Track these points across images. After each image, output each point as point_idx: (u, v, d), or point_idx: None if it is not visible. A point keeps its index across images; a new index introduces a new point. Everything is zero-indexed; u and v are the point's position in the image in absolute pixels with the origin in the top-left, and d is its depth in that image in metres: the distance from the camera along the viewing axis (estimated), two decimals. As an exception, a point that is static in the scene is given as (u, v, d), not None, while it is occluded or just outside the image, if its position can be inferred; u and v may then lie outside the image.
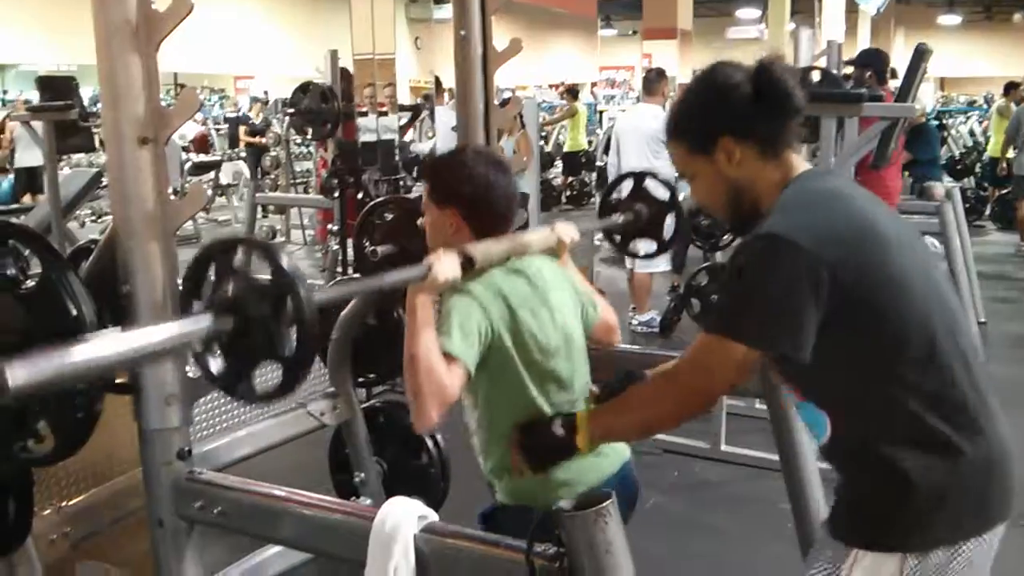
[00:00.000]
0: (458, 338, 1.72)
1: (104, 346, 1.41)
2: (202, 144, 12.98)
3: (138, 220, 1.75)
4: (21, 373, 1.20)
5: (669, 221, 2.56)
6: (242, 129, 12.27)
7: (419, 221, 2.11)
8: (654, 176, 2.57)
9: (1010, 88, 10.33)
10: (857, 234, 1.47)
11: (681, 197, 2.57)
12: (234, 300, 1.45)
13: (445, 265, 1.68)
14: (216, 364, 1.51)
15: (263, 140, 11.51)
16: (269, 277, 1.43)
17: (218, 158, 11.81)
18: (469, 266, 1.73)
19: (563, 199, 11.80)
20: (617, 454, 1.95)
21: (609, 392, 1.83)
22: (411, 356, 1.68)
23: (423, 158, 7.51)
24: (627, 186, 2.59)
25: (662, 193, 2.53)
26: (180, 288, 1.60)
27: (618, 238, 2.65)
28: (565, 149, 12.16)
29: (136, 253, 1.77)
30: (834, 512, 1.61)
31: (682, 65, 12.10)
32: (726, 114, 1.58)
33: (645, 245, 2.66)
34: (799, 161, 1.63)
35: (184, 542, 1.83)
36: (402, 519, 1.51)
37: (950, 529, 1.45)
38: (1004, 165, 9.08)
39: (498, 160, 1.97)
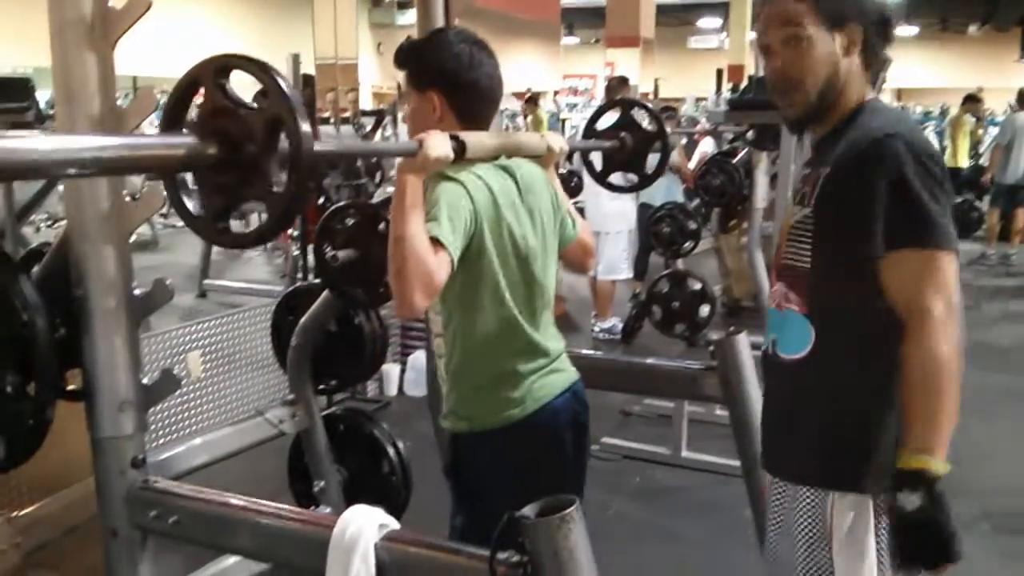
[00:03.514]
0: (447, 225, 1.66)
1: (72, 142, 1.27)
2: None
3: (92, 222, 1.71)
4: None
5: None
6: None
7: (380, 227, 2.08)
8: (642, 105, 2.54)
9: (968, 100, 10.53)
10: None
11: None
12: (221, 124, 1.30)
13: (437, 142, 1.61)
14: (191, 200, 1.37)
15: None
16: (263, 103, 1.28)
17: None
18: (460, 153, 1.66)
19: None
20: (566, 372, 1.95)
21: None
22: (398, 237, 1.59)
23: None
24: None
25: (649, 124, 2.51)
26: (164, 113, 1.41)
27: (599, 167, 2.61)
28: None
29: (90, 256, 1.72)
30: (797, 455, 1.63)
31: (644, 73, 12.19)
32: (868, 6, 1.57)
33: (626, 177, 2.63)
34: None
35: (138, 553, 1.78)
36: (362, 527, 1.48)
37: (886, 478, 1.48)
38: (989, 176, 9.25)
39: (480, 40, 1.89)
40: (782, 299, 1.64)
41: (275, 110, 1.26)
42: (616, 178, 2.61)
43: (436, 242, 1.63)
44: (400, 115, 8.01)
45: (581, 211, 5.99)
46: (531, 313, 1.87)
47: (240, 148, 1.29)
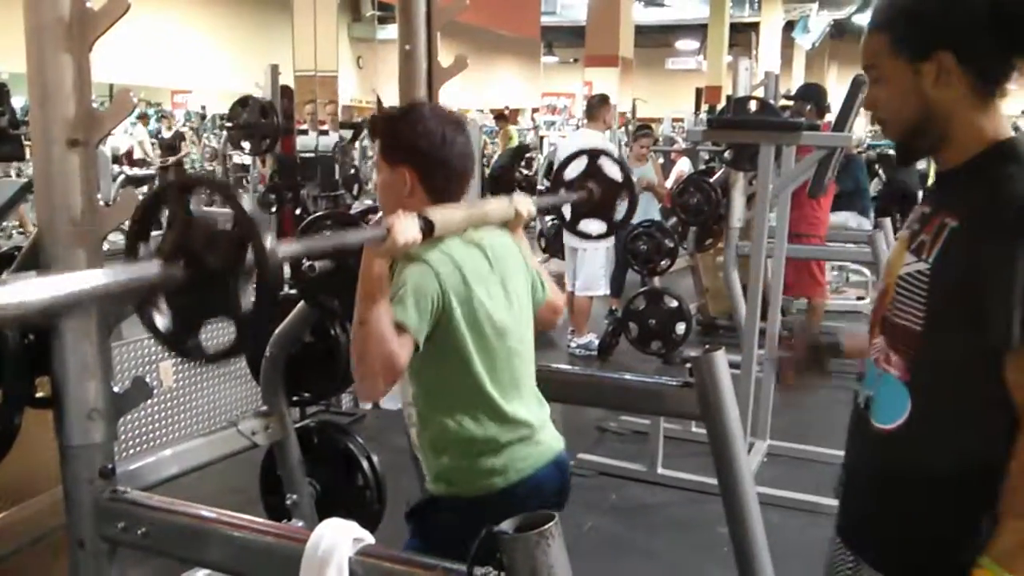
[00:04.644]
0: (412, 308, 1.66)
1: (44, 285, 1.30)
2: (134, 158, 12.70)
3: (64, 225, 1.67)
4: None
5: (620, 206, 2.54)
6: (148, 145, 11.79)
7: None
8: (608, 155, 2.54)
9: None
10: None
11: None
12: (187, 246, 1.32)
13: (405, 227, 1.59)
14: (162, 318, 1.39)
15: (170, 159, 11.16)
16: (228, 223, 1.30)
17: (152, 172, 11.57)
18: (428, 231, 1.65)
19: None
20: (551, 443, 1.92)
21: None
22: (361, 321, 1.61)
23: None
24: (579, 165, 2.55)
25: (616, 173, 2.51)
26: (127, 230, 1.47)
27: (568, 216, 2.61)
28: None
29: (61, 260, 1.69)
30: (877, 537, 1.49)
31: (622, 93, 12.27)
32: (954, 25, 1.35)
33: (595, 225, 2.63)
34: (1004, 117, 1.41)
35: (106, 564, 1.74)
36: (336, 541, 1.45)
37: None
38: None
39: (454, 117, 1.89)
40: (883, 357, 1.48)
41: (240, 232, 1.29)
42: (585, 225, 2.63)
43: (400, 326, 1.64)
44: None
45: (559, 228, 6.03)
46: (510, 385, 1.85)
47: (206, 268, 1.32)
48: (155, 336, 1.41)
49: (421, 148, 1.79)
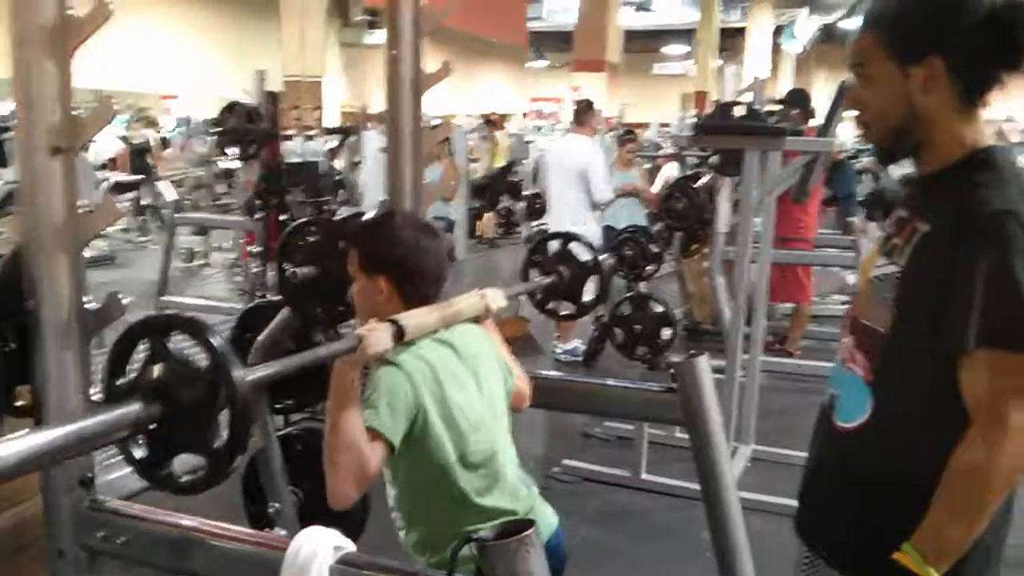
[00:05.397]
0: (385, 413, 1.69)
1: (30, 440, 1.34)
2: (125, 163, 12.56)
3: (46, 232, 1.67)
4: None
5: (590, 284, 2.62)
6: (119, 149, 11.56)
7: (341, 244, 2.06)
8: (578, 239, 2.59)
9: None
10: None
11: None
12: (163, 382, 1.41)
13: (377, 338, 1.64)
14: (139, 451, 1.47)
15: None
16: (200, 362, 1.40)
17: (140, 178, 11.50)
18: (400, 338, 1.70)
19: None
20: (546, 523, 1.93)
21: None
22: (333, 427, 1.65)
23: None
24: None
25: (586, 256, 2.57)
26: (103, 368, 1.56)
27: (539, 298, 2.69)
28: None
29: (43, 267, 1.68)
30: (835, 534, 1.51)
31: (610, 98, 12.30)
32: (950, 32, 1.36)
33: (564, 306, 2.70)
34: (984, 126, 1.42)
35: (85, 574, 1.74)
36: (316, 549, 1.46)
37: None
38: None
39: (426, 224, 1.96)
40: (849, 357, 1.50)
41: (212, 374, 1.37)
42: (554, 306, 2.70)
43: (372, 431, 1.66)
44: (364, 134, 7.99)
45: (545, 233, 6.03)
46: (491, 478, 1.86)
47: (181, 406, 1.41)
48: (133, 467, 1.50)
49: (396, 257, 1.84)
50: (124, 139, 11.84)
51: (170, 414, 1.41)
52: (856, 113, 1.49)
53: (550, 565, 1.88)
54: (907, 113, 1.40)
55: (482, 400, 1.88)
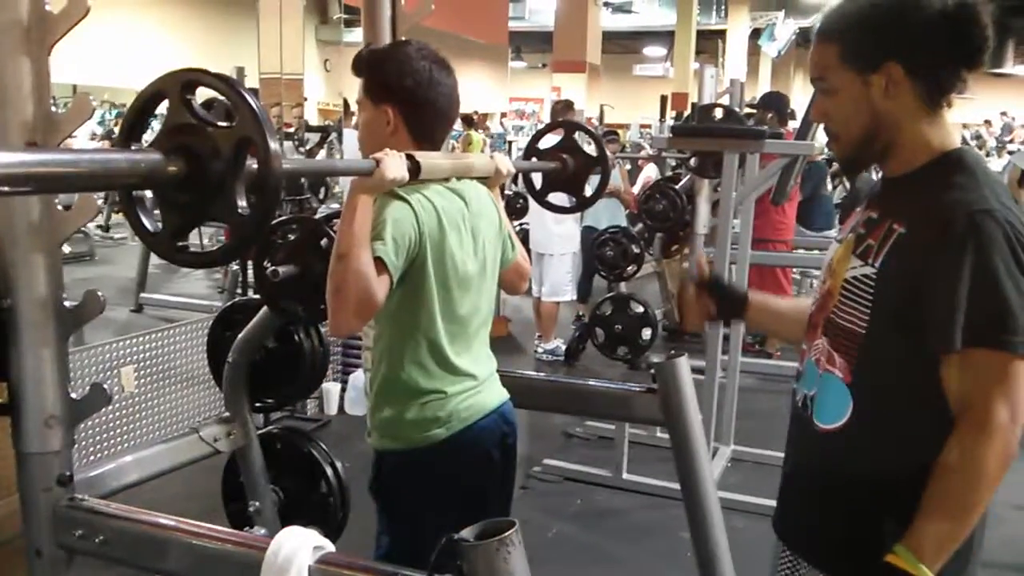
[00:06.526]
0: (391, 244, 1.65)
1: (33, 156, 1.19)
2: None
3: (22, 230, 1.66)
4: None
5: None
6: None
7: (322, 242, 2.05)
8: (584, 128, 2.55)
9: None
10: None
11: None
12: (187, 140, 1.22)
13: (393, 163, 1.59)
14: (148, 219, 1.31)
15: None
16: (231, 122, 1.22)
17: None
18: (414, 174, 1.64)
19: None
20: (495, 394, 1.94)
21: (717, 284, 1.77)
22: (342, 254, 1.60)
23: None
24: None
25: (590, 147, 2.53)
26: (120, 127, 1.36)
27: (539, 185, 2.62)
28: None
29: (19, 265, 1.67)
30: (819, 535, 1.51)
31: (590, 98, 12.31)
32: (904, 37, 1.36)
33: (565, 198, 2.64)
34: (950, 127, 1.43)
35: (63, 573, 1.73)
36: (296, 549, 1.45)
37: None
38: None
39: (441, 58, 1.87)
40: (824, 358, 1.49)
41: (245, 130, 1.20)
42: (555, 197, 2.63)
43: (378, 262, 1.62)
44: (345, 131, 7.96)
45: (526, 233, 6.04)
46: (463, 337, 1.86)
47: (206, 167, 1.22)
48: (141, 236, 1.33)
49: (407, 87, 1.78)
50: (95, 136, 11.71)
51: (193, 173, 1.22)
52: (823, 125, 1.50)
53: (500, 429, 1.92)
54: (872, 120, 1.41)
55: (476, 260, 1.86)
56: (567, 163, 2.50)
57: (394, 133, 1.78)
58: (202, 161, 1.22)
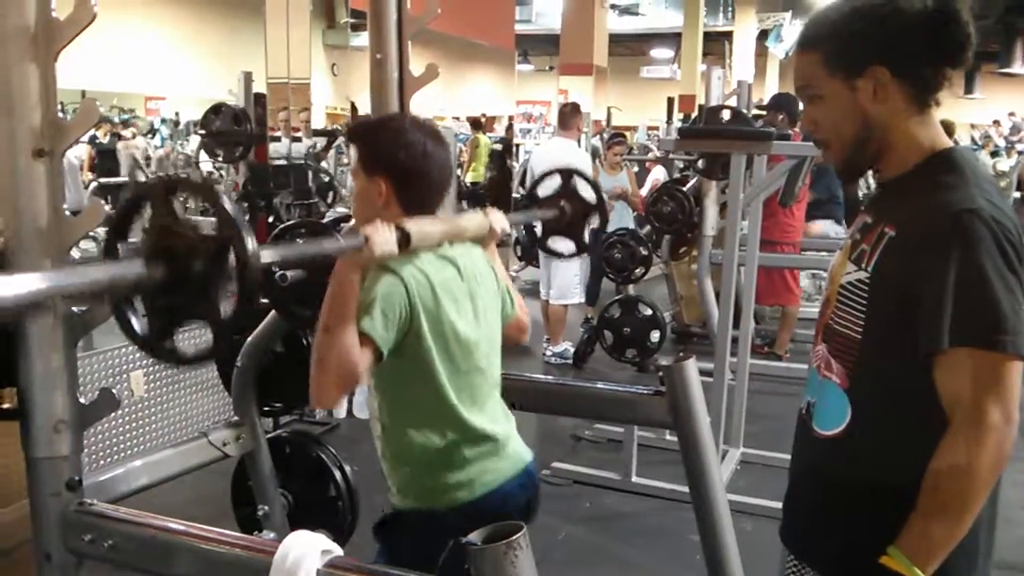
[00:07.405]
0: (379, 319, 1.65)
1: (26, 280, 1.24)
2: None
3: (30, 236, 1.66)
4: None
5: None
6: (85, 152, 11.21)
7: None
8: (581, 175, 2.55)
9: None
10: None
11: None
12: (170, 247, 1.28)
13: (382, 239, 1.58)
14: (138, 321, 1.37)
15: None
16: (210, 227, 1.29)
17: (124, 179, 11.43)
18: (404, 244, 1.63)
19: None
20: (518, 456, 1.92)
21: None
22: (327, 328, 1.61)
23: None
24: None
25: (588, 194, 2.52)
26: (106, 229, 1.44)
27: (538, 232, 2.61)
28: (467, 180, 12.11)
29: (27, 271, 1.67)
30: (823, 542, 1.50)
31: (597, 101, 12.30)
32: (887, 39, 1.36)
33: (564, 244, 2.64)
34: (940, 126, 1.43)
35: (72, 578, 1.72)
36: (304, 553, 1.45)
37: None
38: None
39: (435, 130, 1.86)
40: (824, 365, 1.49)
41: (224, 234, 1.26)
42: (554, 242, 2.64)
43: (363, 335, 1.63)
44: (353, 136, 7.98)
45: (533, 235, 6.03)
46: (474, 401, 1.84)
47: (187, 269, 1.29)
48: (131, 338, 1.39)
49: (400, 160, 1.77)
50: (92, 140, 11.72)
51: (175, 278, 1.28)
52: (814, 134, 1.50)
53: (525, 493, 1.89)
54: (862, 125, 1.41)
55: (476, 323, 1.84)
56: (565, 210, 2.50)
57: (386, 205, 1.77)
58: (184, 264, 1.29)
